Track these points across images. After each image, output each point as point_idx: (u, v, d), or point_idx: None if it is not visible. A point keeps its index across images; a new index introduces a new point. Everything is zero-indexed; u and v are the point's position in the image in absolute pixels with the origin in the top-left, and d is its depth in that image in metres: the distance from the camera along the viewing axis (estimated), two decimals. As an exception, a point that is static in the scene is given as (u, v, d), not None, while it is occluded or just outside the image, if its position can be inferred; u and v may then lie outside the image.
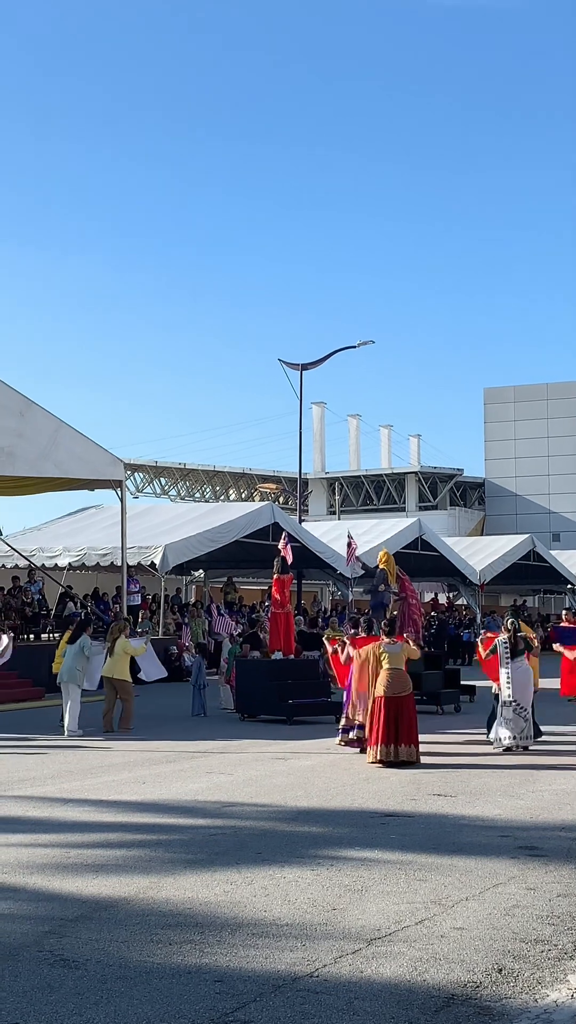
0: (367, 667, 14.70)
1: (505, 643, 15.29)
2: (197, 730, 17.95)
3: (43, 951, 6.32)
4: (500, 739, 15.19)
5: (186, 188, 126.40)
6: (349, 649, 15.54)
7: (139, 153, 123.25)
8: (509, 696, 15.09)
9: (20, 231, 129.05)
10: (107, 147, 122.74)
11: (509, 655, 15.19)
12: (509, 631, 15.45)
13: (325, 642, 19.29)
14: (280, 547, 22.43)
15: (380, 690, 14.03)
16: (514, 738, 15.06)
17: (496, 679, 15.53)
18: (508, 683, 15.12)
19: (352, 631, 17.49)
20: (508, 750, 15.02)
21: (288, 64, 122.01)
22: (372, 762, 13.81)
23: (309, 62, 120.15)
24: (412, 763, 13.74)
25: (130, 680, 17.99)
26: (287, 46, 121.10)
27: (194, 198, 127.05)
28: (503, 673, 15.19)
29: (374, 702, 14.10)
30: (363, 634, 16.23)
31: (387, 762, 13.66)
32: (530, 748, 15.14)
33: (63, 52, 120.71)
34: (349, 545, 27.53)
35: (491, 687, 16.02)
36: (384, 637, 14.45)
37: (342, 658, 16.04)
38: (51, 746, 16.01)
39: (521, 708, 15.09)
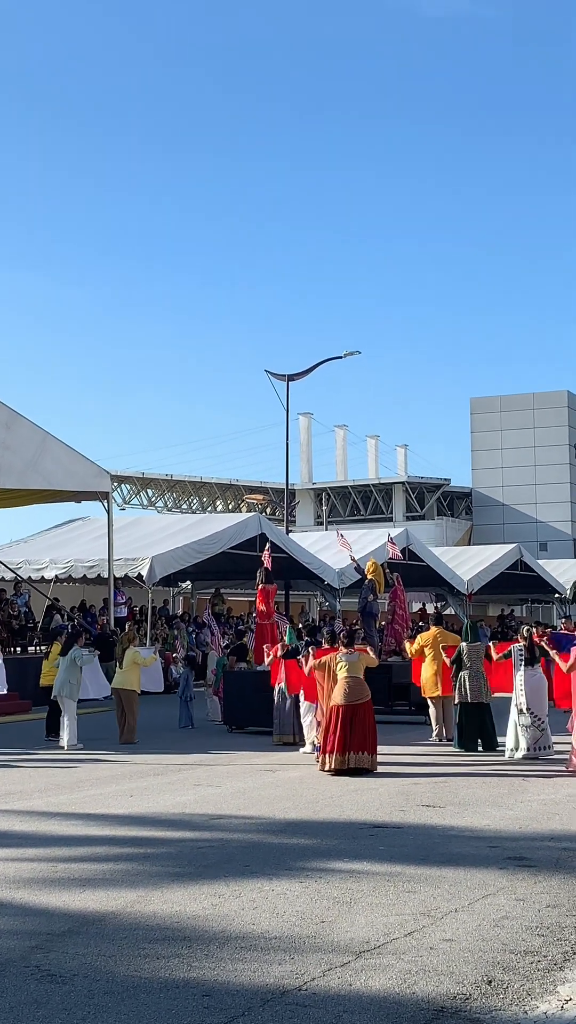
0: (325, 677, 14.48)
1: (520, 650, 15.26)
2: (185, 742, 17.90)
3: (30, 966, 6.27)
4: (514, 749, 15.04)
5: (173, 204, 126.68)
6: (312, 660, 15.27)
7: (122, 170, 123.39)
8: (524, 704, 15.02)
9: (5, 251, 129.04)
10: (86, 165, 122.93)
11: (523, 662, 15.15)
12: (525, 638, 15.44)
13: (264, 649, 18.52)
14: (263, 557, 22.40)
15: (337, 698, 13.94)
16: (528, 748, 14.92)
17: (504, 686, 15.54)
18: (522, 690, 15.05)
19: (308, 639, 17.43)
20: (524, 759, 14.80)
21: (275, 82, 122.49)
22: (325, 771, 13.72)
23: (298, 79, 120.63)
24: (366, 770, 13.66)
25: (138, 692, 17.95)
26: (277, 64, 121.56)
27: (180, 214, 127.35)
28: (517, 680, 15.14)
29: (330, 711, 14.02)
30: (326, 644, 15.97)
31: (339, 770, 13.59)
32: (540, 758, 14.87)
33: (61, 82, 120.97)
34: (341, 537, 26.39)
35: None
36: (342, 648, 14.39)
37: (306, 670, 15.91)
38: (38, 759, 15.94)
39: (537, 718, 15.00)
